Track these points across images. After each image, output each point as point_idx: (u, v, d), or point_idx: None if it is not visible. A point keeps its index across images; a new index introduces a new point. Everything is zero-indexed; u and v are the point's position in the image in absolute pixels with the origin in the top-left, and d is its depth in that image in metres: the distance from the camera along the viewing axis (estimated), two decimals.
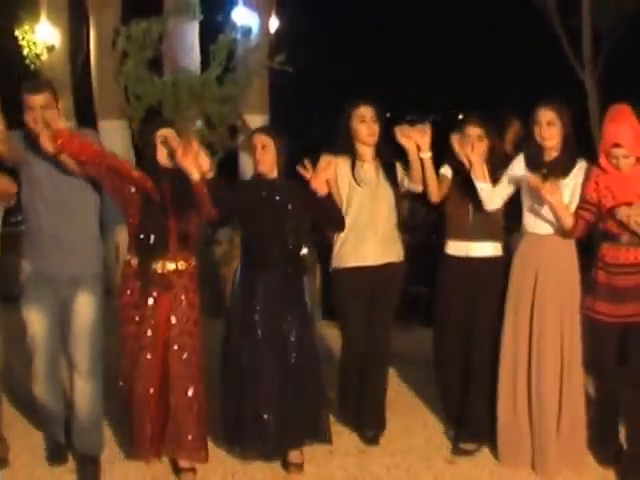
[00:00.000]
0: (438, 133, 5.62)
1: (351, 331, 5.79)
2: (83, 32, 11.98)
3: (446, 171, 5.79)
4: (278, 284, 5.33)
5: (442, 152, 5.74)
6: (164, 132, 5.13)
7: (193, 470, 5.29)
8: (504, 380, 5.47)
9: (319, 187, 5.26)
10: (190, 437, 5.16)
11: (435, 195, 5.71)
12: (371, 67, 19.42)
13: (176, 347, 5.10)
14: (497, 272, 5.59)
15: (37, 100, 4.96)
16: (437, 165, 5.76)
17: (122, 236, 6.79)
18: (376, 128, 5.72)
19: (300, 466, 5.43)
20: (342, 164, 5.71)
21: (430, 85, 20.23)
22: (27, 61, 11.94)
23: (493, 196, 5.49)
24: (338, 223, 5.60)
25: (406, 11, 19.70)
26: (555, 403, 5.33)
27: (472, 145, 5.51)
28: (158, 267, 5.09)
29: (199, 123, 10.49)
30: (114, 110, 10.96)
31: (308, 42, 13.95)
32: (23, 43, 11.94)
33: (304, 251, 5.63)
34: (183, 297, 5.14)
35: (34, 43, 11.77)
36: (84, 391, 5.17)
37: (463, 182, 5.63)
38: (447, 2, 19.81)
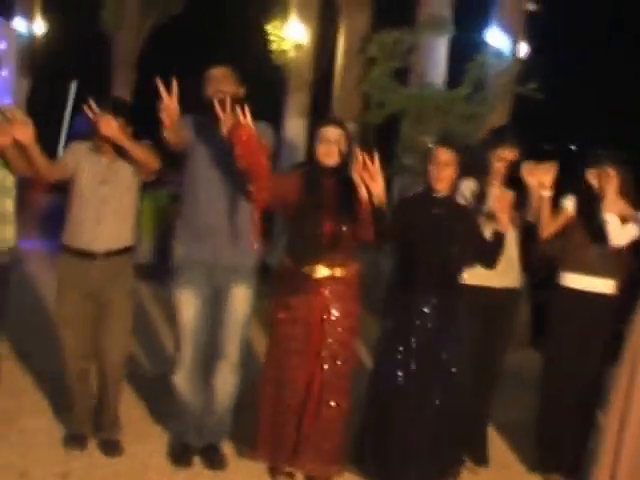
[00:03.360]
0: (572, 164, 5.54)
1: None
2: (331, 34, 12.03)
3: (568, 203, 5.52)
4: (435, 313, 5.02)
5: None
6: (332, 131, 4.93)
7: None
8: (606, 440, 5.03)
9: None
10: (330, 449, 4.97)
11: (546, 232, 5.48)
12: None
13: (327, 356, 4.91)
14: (611, 311, 5.45)
15: (220, 74, 4.91)
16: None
17: None
18: None
19: None
20: None
21: None
22: (273, 55, 12.06)
23: (620, 232, 5.24)
24: (491, 260, 5.20)
25: None
26: None
27: (606, 179, 5.28)
28: (312, 271, 4.91)
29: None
30: (350, 114, 10.93)
31: (556, 72, 13.53)
32: (272, 38, 12.06)
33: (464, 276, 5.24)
34: (338, 304, 4.92)
35: (283, 39, 11.89)
36: (228, 382, 5.11)
37: (589, 214, 5.42)
38: None
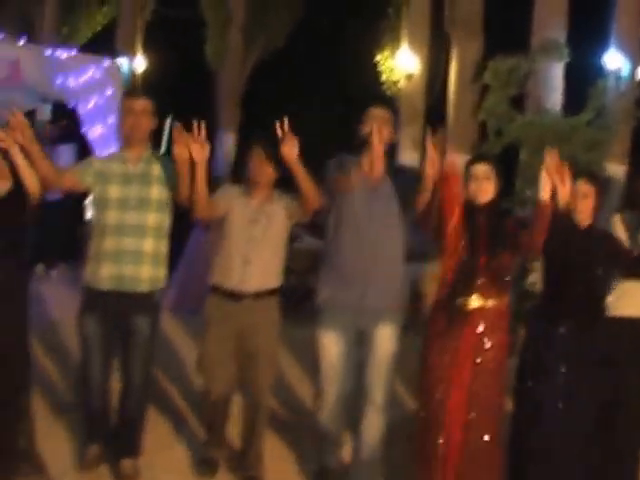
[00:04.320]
0: None
1: None
2: (442, 62, 11.89)
3: None
4: (577, 340, 4.91)
5: None
6: (481, 168, 4.87)
7: None
8: None
9: None
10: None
11: None
12: None
13: (478, 388, 4.80)
14: None
15: (381, 114, 4.90)
16: None
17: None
18: None
19: None
20: None
21: None
22: (384, 86, 11.98)
23: None
24: None
25: None
26: None
27: None
28: (464, 302, 4.85)
29: None
30: (466, 144, 10.76)
31: None
32: (382, 68, 11.97)
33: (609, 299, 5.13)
34: (489, 336, 4.85)
35: (392, 70, 11.80)
36: (375, 423, 5.02)
37: None
38: None
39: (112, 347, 5.04)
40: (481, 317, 4.85)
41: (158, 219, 4.99)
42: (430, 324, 4.96)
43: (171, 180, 4.91)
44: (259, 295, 5.05)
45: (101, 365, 5.01)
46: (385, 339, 4.98)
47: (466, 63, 11.06)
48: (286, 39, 15.34)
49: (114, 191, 4.95)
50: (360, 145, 4.87)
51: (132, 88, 14.88)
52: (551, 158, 4.65)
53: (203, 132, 4.75)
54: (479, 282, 4.84)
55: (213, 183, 5.01)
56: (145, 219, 4.94)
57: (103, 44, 14.66)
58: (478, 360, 4.82)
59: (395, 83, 11.75)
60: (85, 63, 11.58)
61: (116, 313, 4.95)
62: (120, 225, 4.92)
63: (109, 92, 11.41)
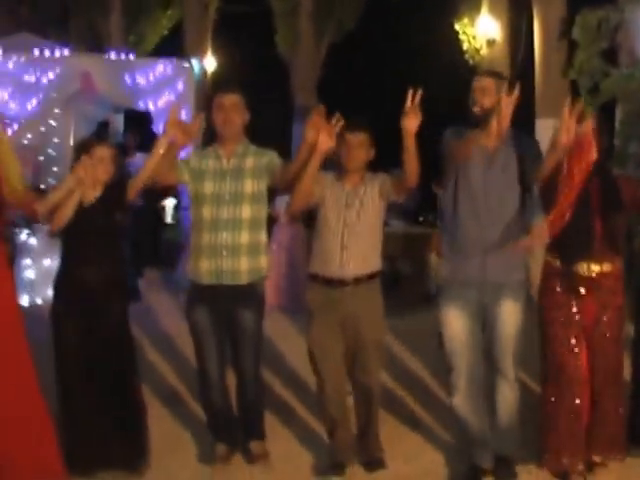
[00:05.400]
0: None
1: None
2: (524, 25, 11.38)
3: None
4: None
5: None
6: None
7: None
8: None
9: None
10: (611, 436, 4.91)
11: None
12: None
13: (601, 354, 4.84)
14: None
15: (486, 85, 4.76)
16: None
17: None
18: None
19: None
20: None
21: None
22: (466, 55, 11.51)
23: None
24: None
25: None
26: None
27: None
28: (582, 269, 4.79)
29: None
30: (558, 107, 10.16)
31: None
32: (463, 37, 11.50)
33: None
34: (609, 300, 4.83)
35: (474, 37, 11.33)
36: (509, 398, 4.95)
37: None
38: None
39: (223, 339, 5.05)
40: (600, 283, 4.79)
41: (254, 211, 5.01)
42: (547, 294, 4.90)
43: (267, 170, 4.99)
44: (359, 280, 4.97)
45: (216, 357, 5.04)
46: (510, 314, 4.86)
47: (550, 21, 10.49)
48: (357, 21, 14.95)
49: (209, 187, 5.00)
50: (474, 117, 4.73)
51: (205, 88, 14.80)
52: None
53: (339, 125, 4.76)
54: (596, 246, 4.76)
55: None
56: (240, 213, 4.97)
57: (171, 48, 14.57)
58: (601, 327, 4.82)
59: (477, 51, 11.30)
60: (154, 61, 11.59)
61: (220, 306, 4.97)
62: (215, 220, 4.97)
63: (180, 87, 11.30)
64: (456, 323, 4.87)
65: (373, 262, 5.03)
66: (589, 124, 4.49)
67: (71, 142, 10.41)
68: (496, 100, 4.64)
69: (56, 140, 10.48)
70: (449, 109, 4.72)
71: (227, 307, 4.96)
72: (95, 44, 15.12)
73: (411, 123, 4.60)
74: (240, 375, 5.07)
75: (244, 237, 4.97)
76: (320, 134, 4.73)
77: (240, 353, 5.02)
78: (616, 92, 9.52)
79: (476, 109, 4.75)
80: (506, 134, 4.70)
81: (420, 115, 4.59)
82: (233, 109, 4.98)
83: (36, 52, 10.67)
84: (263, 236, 5.10)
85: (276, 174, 4.98)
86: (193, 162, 5.08)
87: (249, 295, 5.00)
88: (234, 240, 4.95)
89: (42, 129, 10.43)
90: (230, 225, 4.96)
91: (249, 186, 4.99)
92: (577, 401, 4.81)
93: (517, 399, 4.96)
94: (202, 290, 5.01)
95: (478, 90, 4.77)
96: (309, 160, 4.79)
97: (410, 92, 4.60)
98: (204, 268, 4.97)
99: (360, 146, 4.94)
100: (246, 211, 4.98)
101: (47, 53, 10.73)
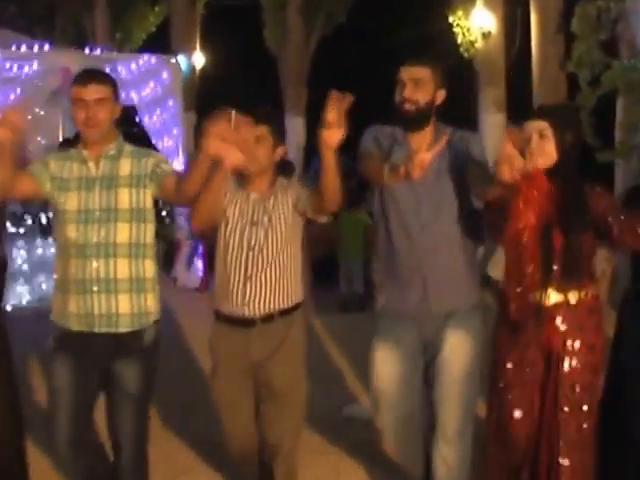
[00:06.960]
0: None
1: None
2: (519, 17, 11.14)
3: None
4: None
5: None
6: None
7: None
8: None
9: None
10: None
11: None
12: None
13: (565, 401, 3.77)
14: None
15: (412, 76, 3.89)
16: None
17: None
18: None
19: None
20: None
21: None
22: (461, 49, 11.21)
23: None
24: None
25: None
26: None
27: None
28: (539, 297, 3.80)
29: None
30: (556, 100, 9.89)
31: None
32: (457, 30, 11.19)
33: None
34: (576, 337, 3.80)
35: (468, 30, 11.04)
36: (449, 460, 4.04)
37: None
38: None
39: (88, 402, 3.87)
40: (563, 315, 3.83)
41: (134, 233, 3.81)
42: (500, 325, 3.96)
43: (153, 177, 3.80)
44: (270, 318, 4.03)
45: (67, 421, 3.78)
46: (457, 351, 4.00)
47: (547, 13, 10.32)
48: (347, 13, 14.61)
49: (72, 201, 3.79)
50: (403, 116, 3.90)
51: (194, 84, 14.49)
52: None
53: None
54: (556, 272, 3.80)
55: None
56: (114, 235, 3.77)
57: (159, 45, 14.27)
58: (563, 368, 3.80)
59: (472, 44, 11.02)
60: (137, 55, 11.47)
61: (91, 361, 3.80)
62: (83, 245, 3.77)
63: (165, 76, 11.08)
64: (386, 369, 4.04)
65: (289, 294, 4.06)
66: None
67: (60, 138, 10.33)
68: (432, 96, 3.86)
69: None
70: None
71: (102, 363, 3.79)
72: (80, 42, 14.79)
73: (332, 137, 3.56)
74: (117, 451, 3.88)
75: (121, 268, 3.75)
76: (224, 148, 3.47)
77: (118, 422, 3.84)
78: (618, 84, 9.25)
79: (407, 106, 3.86)
80: (441, 132, 3.86)
81: (345, 127, 3.55)
82: (97, 104, 3.70)
83: (13, 48, 10.33)
84: (150, 267, 3.85)
85: (166, 184, 3.75)
86: (53, 167, 3.83)
87: (131, 347, 3.79)
88: (107, 272, 3.73)
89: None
90: (102, 252, 3.73)
91: (125, 199, 3.76)
92: (519, 461, 3.86)
93: (463, 461, 4.07)
94: (69, 338, 3.79)
95: (410, 82, 3.86)
96: (210, 176, 3.63)
97: (333, 97, 3.53)
98: (71, 309, 3.77)
99: (259, 142, 3.94)
100: (123, 233, 3.75)
101: (23, 48, 10.40)
